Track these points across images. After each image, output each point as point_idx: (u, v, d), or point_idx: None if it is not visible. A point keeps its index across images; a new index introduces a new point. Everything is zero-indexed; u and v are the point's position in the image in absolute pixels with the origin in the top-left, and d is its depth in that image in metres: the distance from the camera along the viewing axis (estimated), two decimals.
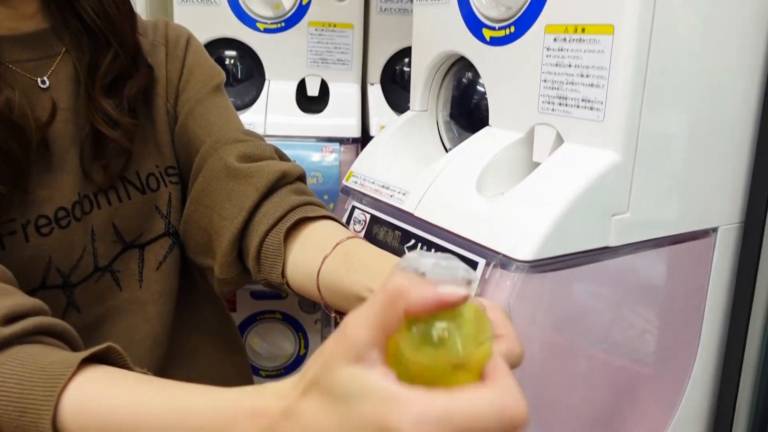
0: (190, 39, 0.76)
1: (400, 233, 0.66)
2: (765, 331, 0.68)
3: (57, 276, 0.65)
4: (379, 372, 0.31)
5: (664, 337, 0.69)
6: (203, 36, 0.77)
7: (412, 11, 0.78)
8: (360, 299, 0.54)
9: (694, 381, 0.71)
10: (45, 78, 0.65)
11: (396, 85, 1.19)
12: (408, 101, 0.82)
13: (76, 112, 0.66)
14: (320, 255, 0.59)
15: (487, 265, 0.56)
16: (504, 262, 0.55)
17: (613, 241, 0.58)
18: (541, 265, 0.55)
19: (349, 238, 0.60)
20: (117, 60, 0.66)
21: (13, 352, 0.45)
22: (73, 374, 0.42)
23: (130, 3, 0.68)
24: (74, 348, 0.50)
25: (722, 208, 0.67)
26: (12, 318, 0.47)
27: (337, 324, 0.71)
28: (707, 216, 0.66)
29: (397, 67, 1.19)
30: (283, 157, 0.72)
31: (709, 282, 0.67)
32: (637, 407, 0.70)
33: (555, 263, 0.56)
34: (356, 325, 0.32)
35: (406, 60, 1.18)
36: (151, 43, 0.72)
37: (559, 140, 0.61)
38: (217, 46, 1.10)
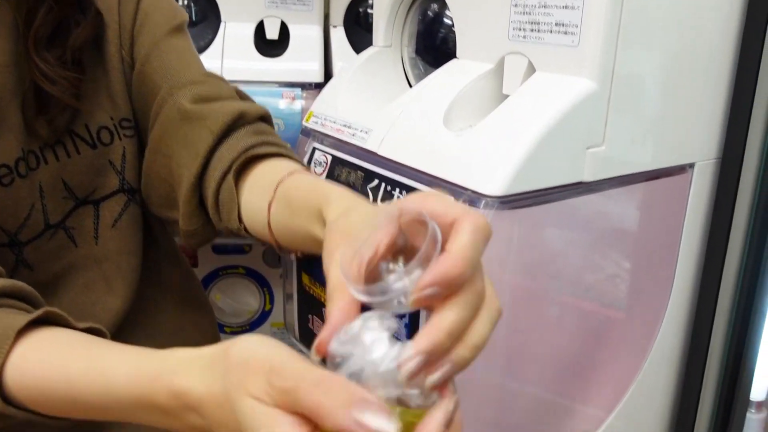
0: None
1: (363, 173, 0.62)
2: (740, 271, 0.66)
3: (2, 235, 0.60)
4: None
5: (637, 279, 0.67)
6: None
7: None
8: (306, 240, 0.52)
9: (666, 324, 0.70)
10: None
11: (360, 27, 1.14)
12: (372, 44, 0.77)
13: (16, 63, 0.60)
14: (266, 199, 0.55)
15: None
16: (472, 198, 0.52)
17: (587, 176, 0.55)
18: (511, 201, 0.51)
19: (290, 174, 0.56)
20: (52, 11, 0.60)
21: None
22: (12, 345, 0.44)
23: None
24: (33, 303, 0.51)
25: (699, 143, 0.64)
26: None
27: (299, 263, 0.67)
28: (684, 151, 0.63)
29: (360, 9, 1.13)
30: (244, 97, 0.67)
31: (684, 220, 0.65)
32: (609, 352, 0.68)
33: (526, 199, 0.53)
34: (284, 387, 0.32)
35: (370, 1, 1.12)
36: None
37: (531, 70, 0.58)
38: None
